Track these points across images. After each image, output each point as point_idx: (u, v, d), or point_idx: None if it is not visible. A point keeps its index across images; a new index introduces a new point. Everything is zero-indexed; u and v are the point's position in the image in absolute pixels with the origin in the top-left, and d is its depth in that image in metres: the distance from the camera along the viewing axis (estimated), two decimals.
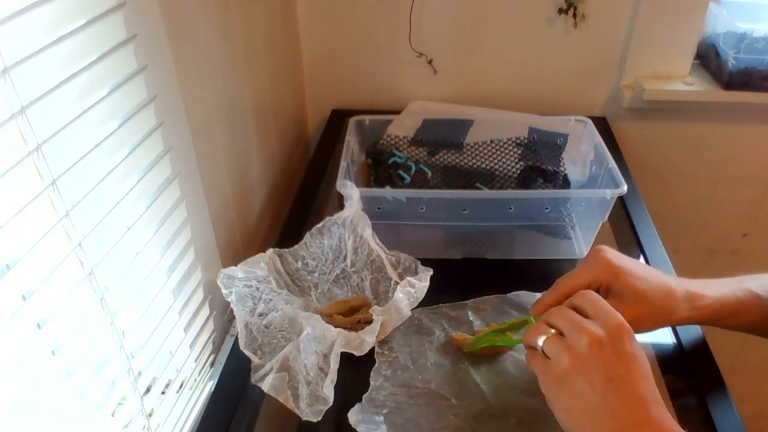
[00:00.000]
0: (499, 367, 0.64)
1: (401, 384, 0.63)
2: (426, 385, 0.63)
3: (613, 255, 0.61)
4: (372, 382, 0.63)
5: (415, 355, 0.66)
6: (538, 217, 0.77)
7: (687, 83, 1.09)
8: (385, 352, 0.67)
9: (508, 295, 0.73)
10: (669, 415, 0.47)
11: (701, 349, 0.69)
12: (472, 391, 0.62)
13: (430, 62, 1.13)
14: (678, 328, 0.70)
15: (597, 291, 0.61)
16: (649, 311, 0.60)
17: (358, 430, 0.58)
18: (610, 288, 0.60)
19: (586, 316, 0.52)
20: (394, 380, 0.64)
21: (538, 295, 0.71)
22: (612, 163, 0.78)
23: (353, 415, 0.59)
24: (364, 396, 0.61)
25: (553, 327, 0.53)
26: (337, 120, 1.14)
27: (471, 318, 0.70)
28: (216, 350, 0.73)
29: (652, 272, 0.62)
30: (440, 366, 0.65)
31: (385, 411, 0.60)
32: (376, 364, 0.65)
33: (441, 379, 0.63)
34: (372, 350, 0.65)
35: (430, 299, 0.68)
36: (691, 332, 0.70)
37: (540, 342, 0.52)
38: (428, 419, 0.59)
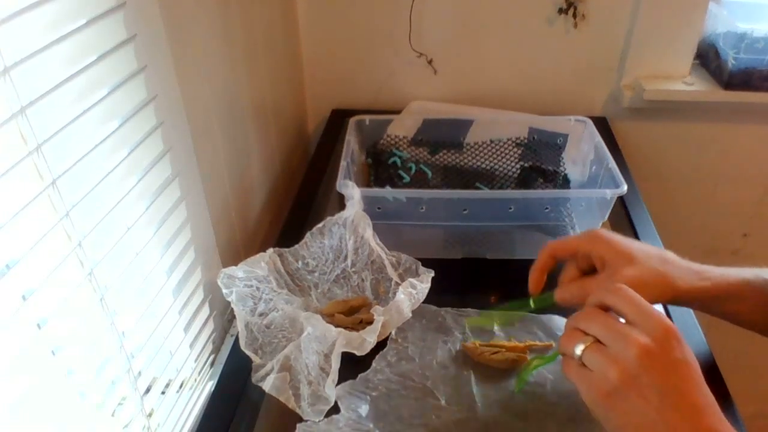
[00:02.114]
0: (502, 384, 0.63)
1: (400, 373, 0.64)
2: (423, 381, 0.63)
3: (606, 230, 0.61)
4: (374, 364, 0.64)
5: (426, 350, 0.67)
6: (538, 217, 0.77)
7: (687, 83, 1.09)
8: (399, 340, 0.68)
9: (542, 316, 0.70)
10: (726, 421, 0.45)
11: (701, 349, 0.69)
12: (464, 399, 0.62)
13: (430, 62, 1.13)
14: (678, 328, 0.70)
15: (591, 266, 0.61)
16: (649, 274, 0.57)
17: (339, 403, 0.59)
18: (605, 258, 0.59)
19: (621, 316, 0.49)
20: (395, 368, 0.65)
21: None
22: (612, 163, 0.78)
23: (341, 389, 0.61)
24: (360, 375, 0.63)
25: (588, 333, 0.48)
26: (337, 120, 1.14)
27: (496, 329, 0.70)
28: (216, 350, 0.73)
29: (648, 245, 0.61)
30: (444, 367, 0.65)
31: (374, 393, 0.62)
32: (385, 349, 0.66)
33: (439, 380, 0.64)
34: (374, 349, 0.65)
35: (431, 299, 0.68)
36: (691, 332, 0.70)
37: (578, 351, 0.48)
38: (411, 413, 0.60)
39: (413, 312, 0.67)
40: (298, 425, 0.58)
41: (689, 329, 0.70)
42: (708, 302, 0.60)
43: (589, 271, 0.63)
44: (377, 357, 0.65)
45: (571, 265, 0.64)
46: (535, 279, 0.64)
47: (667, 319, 0.47)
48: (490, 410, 0.61)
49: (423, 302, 0.68)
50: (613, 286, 0.50)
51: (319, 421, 0.59)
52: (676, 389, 0.45)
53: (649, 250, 0.60)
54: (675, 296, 0.59)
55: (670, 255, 0.60)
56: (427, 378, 0.64)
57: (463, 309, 0.72)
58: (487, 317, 0.70)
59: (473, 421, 0.60)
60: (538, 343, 0.67)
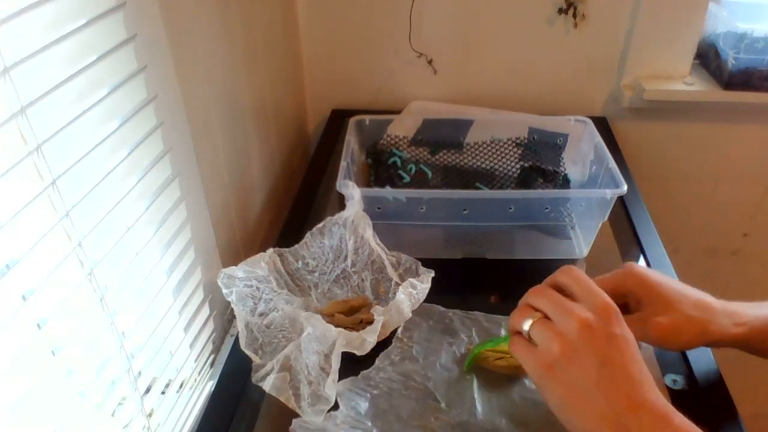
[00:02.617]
0: (504, 390, 0.63)
1: (402, 373, 0.64)
2: (425, 382, 0.63)
3: (643, 267, 0.60)
4: (377, 362, 0.64)
5: (430, 351, 0.66)
6: (538, 217, 0.77)
7: (687, 83, 1.09)
8: (404, 339, 0.67)
9: None
10: (661, 396, 0.47)
11: (702, 349, 0.69)
12: (465, 402, 0.61)
13: (430, 62, 1.13)
14: None
15: (626, 303, 0.60)
16: (683, 322, 0.57)
17: (338, 399, 0.59)
18: (639, 298, 0.58)
19: (571, 296, 0.51)
20: (398, 367, 0.64)
21: None
22: (612, 163, 0.78)
23: (342, 385, 0.61)
24: (362, 372, 0.63)
25: (537, 310, 0.51)
26: (337, 120, 1.14)
27: (503, 333, 0.69)
28: (216, 350, 0.73)
29: (684, 285, 0.60)
30: (448, 369, 0.65)
31: (375, 391, 0.61)
32: (389, 348, 0.66)
33: (441, 382, 0.63)
34: (373, 351, 0.65)
35: (431, 299, 0.68)
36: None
37: (526, 326, 0.51)
38: (410, 414, 0.60)
39: (421, 312, 0.67)
40: (294, 420, 0.58)
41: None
42: (744, 346, 0.60)
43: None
44: (381, 355, 0.65)
45: None
46: None
47: (608, 298, 0.50)
48: (490, 416, 0.60)
49: (431, 303, 0.68)
50: (566, 267, 0.53)
51: None
52: (612, 361, 0.47)
53: (687, 293, 0.59)
54: (709, 342, 0.59)
55: (708, 298, 0.59)
56: (429, 379, 0.63)
57: (471, 312, 0.71)
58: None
59: (473, 426, 0.59)
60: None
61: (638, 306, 0.59)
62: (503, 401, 0.62)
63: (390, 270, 0.73)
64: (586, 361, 0.47)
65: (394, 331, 0.68)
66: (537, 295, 0.52)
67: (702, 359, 0.67)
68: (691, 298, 0.58)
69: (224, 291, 0.66)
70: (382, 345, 0.66)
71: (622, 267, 0.60)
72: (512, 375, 0.64)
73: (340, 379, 0.60)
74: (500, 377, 0.64)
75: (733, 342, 0.59)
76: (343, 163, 0.78)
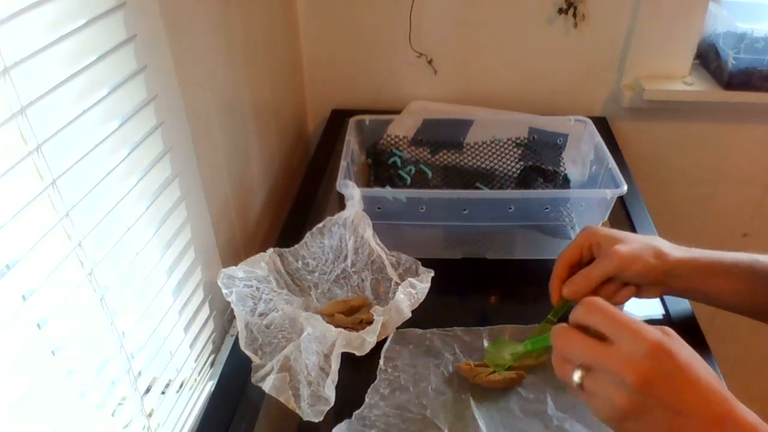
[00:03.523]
0: (502, 404, 0.61)
1: (396, 406, 0.61)
2: (421, 411, 0.60)
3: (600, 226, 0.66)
4: (367, 399, 0.61)
5: (418, 377, 0.64)
6: (538, 217, 0.77)
7: (687, 83, 1.09)
8: (389, 370, 0.65)
9: (528, 326, 0.69)
10: (736, 402, 0.44)
11: (701, 350, 0.68)
12: (468, 424, 0.59)
13: (430, 62, 1.13)
14: (678, 327, 0.70)
15: (586, 261, 0.65)
16: (640, 249, 0.61)
17: None
18: (599, 244, 0.63)
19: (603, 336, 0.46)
20: (390, 401, 0.61)
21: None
22: (612, 163, 0.78)
23: (337, 430, 0.58)
24: (355, 413, 0.60)
25: (575, 360, 0.46)
26: (337, 120, 1.14)
27: (486, 345, 0.67)
28: (216, 350, 0.73)
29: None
30: (441, 393, 0.62)
31: (373, 431, 0.58)
32: (376, 381, 0.63)
33: (438, 407, 0.61)
34: (375, 351, 0.65)
35: (430, 299, 0.68)
36: (692, 333, 0.70)
37: (576, 380, 0.46)
38: None
39: (399, 338, 0.66)
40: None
41: (690, 330, 0.71)
42: (697, 277, 0.63)
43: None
44: (369, 391, 0.62)
45: (561, 260, 0.66)
46: (556, 289, 0.65)
47: (650, 332, 0.45)
48: None
49: (431, 303, 0.67)
50: (587, 302, 0.47)
51: None
52: (679, 400, 0.43)
53: (641, 236, 0.65)
54: (668, 268, 0.62)
55: (661, 239, 0.65)
56: (425, 407, 0.61)
57: (449, 329, 0.69)
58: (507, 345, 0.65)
59: None
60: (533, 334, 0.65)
61: (600, 252, 0.64)
62: (505, 416, 0.60)
63: (390, 270, 0.73)
64: (654, 410, 0.43)
65: (377, 364, 0.65)
66: (570, 347, 0.47)
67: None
68: (645, 237, 0.65)
69: (224, 291, 0.66)
70: (379, 346, 0.66)
71: (582, 230, 0.66)
72: (506, 387, 0.62)
73: (339, 381, 0.59)
74: (494, 391, 0.62)
75: (689, 268, 0.62)
76: (343, 163, 0.78)
